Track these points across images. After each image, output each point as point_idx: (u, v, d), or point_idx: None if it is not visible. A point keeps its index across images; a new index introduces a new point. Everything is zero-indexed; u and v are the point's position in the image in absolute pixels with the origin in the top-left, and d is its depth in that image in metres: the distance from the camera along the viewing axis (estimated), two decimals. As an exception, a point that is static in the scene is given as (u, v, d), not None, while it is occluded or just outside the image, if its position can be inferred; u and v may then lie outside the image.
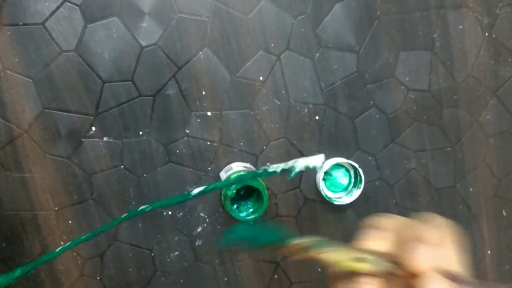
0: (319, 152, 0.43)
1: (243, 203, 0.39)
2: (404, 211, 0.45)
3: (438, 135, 0.45)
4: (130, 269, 0.41)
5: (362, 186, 0.42)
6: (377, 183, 0.44)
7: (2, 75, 0.36)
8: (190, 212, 0.41)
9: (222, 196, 0.37)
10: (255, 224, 0.35)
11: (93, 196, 0.39)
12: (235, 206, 0.38)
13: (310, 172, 0.43)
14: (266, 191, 0.36)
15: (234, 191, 0.36)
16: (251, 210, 0.38)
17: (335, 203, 0.43)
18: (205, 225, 0.42)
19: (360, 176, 0.42)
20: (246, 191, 0.39)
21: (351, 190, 0.43)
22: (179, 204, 0.40)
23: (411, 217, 0.22)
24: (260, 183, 0.36)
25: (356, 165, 0.41)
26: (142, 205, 0.39)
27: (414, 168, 0.45)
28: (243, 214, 0.37)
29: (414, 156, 0.45)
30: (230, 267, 0.43)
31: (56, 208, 0.39)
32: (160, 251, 0.41)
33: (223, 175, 0.40)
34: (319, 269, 0.45)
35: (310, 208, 0.43)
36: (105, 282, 0.41)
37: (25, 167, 0.38)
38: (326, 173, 0.42)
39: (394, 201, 0.45)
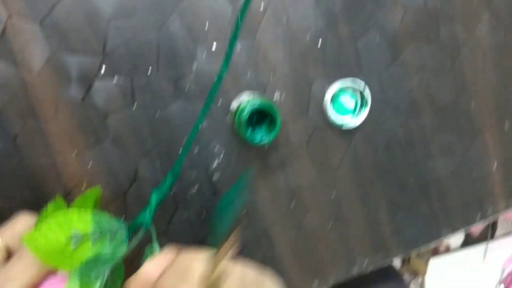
0: (325, 77, 0.44)
1: (257, 127, 0.40)
2: (409, 132, 0.47)
3: (437, 53, 0.46)
4: (152, 207, 0.42)
5: (368, 106, 0.43)
6: (382, 105, 0.46)
7: (8, 22, 0.37)
8: (205, 148, 0.42)
9: (236, 123, 0.38)
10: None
11: (110, 138, 0.40)
12: (248, 133, 0.39)
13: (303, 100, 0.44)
14: (278, 113, 0.37)
15: (247, 115, 0.37)
16: (264, 135, 0.39)
17: (344, 128, 0.45)
18: (220, 159, 0.43)
19: (366, 98, 0.43)
20: (258, 117, 0.40)
21: (358, 113, 0.44)
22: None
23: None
24: (270, 105, 0.37)
25: (362, 86, 0.42)
26: (157, 144, 0.40)
27: (416, 86, 0.46)
28: (257, 139, 0.38)
29: (415, 75, 0.46)
30: (247, 199, 0.44)
31: (74, 153, 0.40)
32: (179, 188, 0.42)
33: (234, 105, 0.41)
34: (333, 194, 0.46)
35: (319, 135, 0.45)
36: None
37: (39, 113, 0.39)
38: (333, 98, 0.43)
39: (399, 121, 0.46)
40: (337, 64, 0.44)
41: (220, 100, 0.42)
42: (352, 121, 0.44)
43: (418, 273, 0.86)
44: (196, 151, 0.42)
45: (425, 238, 0.50)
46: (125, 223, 0.31)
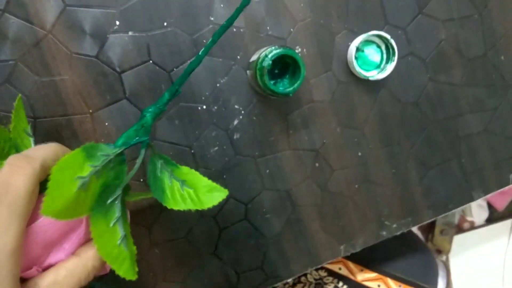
0: (348, 29, 0.42)
1: (279, 80, 0.38)
2: (439, 86, 0.44)
3: (464, 3, 0.43)
4: (172, 168, 0.40)
5: (395, 58, 0.41)
6: (409, 58, 0.43)
7: (18, -28, 0.35)
8: (225, 105, 0.41)
9: (258, 72, 0.36)
10: None
11: (126, 95, 0.39)
12: (271, 83, 0.37)
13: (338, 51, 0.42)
14: (302, 61, 0.35)
15: (270, 62, 0.35)
16: (287, 85, 0.37)
17: (369, 83, 0.43)
18: (241, 117, 0.41)
19: (393, 48, 0.41)
20: (281, 69, 0.38)
21: (384, 67, 0.42)
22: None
23: None
24: (293, 51, 0.35)
25: (388, 36, 0.40)
26: (175, 101, 0.39)
27: (444, 39, 0.44)
28: (280, 89, 0.36)
29: (443, 27, 0.44)
30: (270, 158, 0.42)
31: (90, 111, 0.38)
32: (199, 148, 0.41)
33: (254, 57, 0.39)
34: (359, 153, 0.44)
35: (343, 90, 0.43)
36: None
37: (53, 69, 0.37)
38: (357, 49, 0.41)
39: (428, 75, 0.44)
40: (361, 16, 0.42)
41: (240, 55, 0.40)
42: (378, 75, 0.41)
43: (442, 250, 0.84)
44: (215, 108, 0.40)
45: (456, 201, 0.47)
46: (117, 145, 0.29)
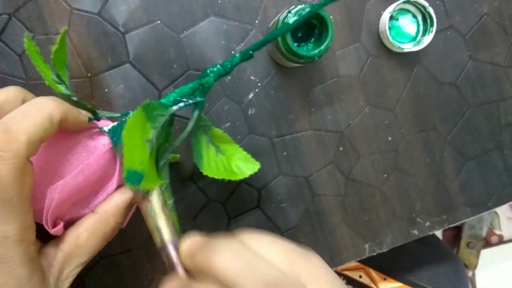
0: (379, -4, 0.37)
1: (303, 44, 0.33)
2: (479, 65, 0.39)
3: (512, -28, 0.39)
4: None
5: (434, 30, 0.36)
6: (447, 32, 0.39)
7: None
8: (239, 76, 0.36)
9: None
10: None
11: (130, 58, 0.34)
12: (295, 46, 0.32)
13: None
14: (330, 19, 0.31)
15: (295, 18, 0.30)
16: (313, 49, 0.32)
17: (403, 57, 0.38)
18: (257, 90, 0.36)
19: (431, 18, 0.36)
20: (305, 31, 0.33)
21: (420, 39, 0.37)
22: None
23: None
24: (323, 10, 0.31)
25: (426, 3, 0.36)
26: (184, 68, 0.34)
27: (486, 13, 0.39)
28: (304, 51, 0.32)
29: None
30: (289, 139, 0.37)
31: (89, 74, 0.34)
32: (210, 122, 0.36)
33: (275, 19, 0.34)
34: (390, 138, 0.39)
35: (373, 65, 0.38)
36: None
37: (50, 26, 0.33)
38: (391, 18, 0.37)
39: (468, 53, 0.39)
40: (395, -18, 0.37)
41: (258, 19, 0.36)
42: (413, 49, 0.37)
43: (468, 265, 0.77)
44: (228, 78, 0.36)
45: (497, 198, 0.42)
46: (169, 102, 0.28)
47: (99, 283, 0.36)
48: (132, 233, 0.36)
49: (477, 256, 0.77)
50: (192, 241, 0.23)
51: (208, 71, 0.28)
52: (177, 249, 0.24)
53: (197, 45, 0.35)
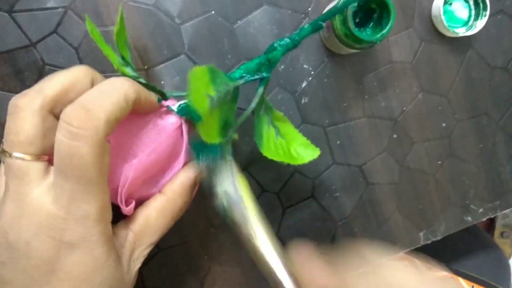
0: (432, -20, 0.37)
1: (362, 29, 0.33)
2: (533, 48, 0.39)
3: None
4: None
5: (487, 14, 0.36)
6: (498, 17, 0.38)
7: None
8: (292, 65, 0.36)
9: (338, 17, 0.31)
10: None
11: (185, 50, 0.34)
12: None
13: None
14: (392, 2, 0.30)
15: (356, 3, 0.30)
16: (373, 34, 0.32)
17: (456, 42, 0.37)
18: (310, 78, 0.36)
19: (484, 2, 0.36)
20: (362, 17, 0.33)
21: (472, 24, 0.37)
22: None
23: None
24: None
25: (480, -13, 0.35)
26: (238, 58, 0.34)
27: (540, -5, 0.38)
28: (366, 36, 0.31)
29: (539, -20, 0.38)
30: (342, 127, 0.37)
31: (145, 67, 0.34)
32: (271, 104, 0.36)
33: (331, 5, 0.34)
34: (444, 124, 0.38)
35: (426, 50, 0.37)
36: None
37: (106, 19, 0.33)
38: (445, 2, 0.36)
39: (521, 36, 0.39)
40: (446, -35, 0.37)
41: (311, 7, 0.35)
42: (466, 33, 0.36)
43: (502, 255, 0.76)
44: (281, 67, 0.36)
45: (551, 183, 0.41)
46: (235, 77, 0.27)
47: (155, 274, 0.36)
48: (188, 223, 0.36)
49: (511, 245, 0.76)
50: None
51: (275, 44, 0.27)
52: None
53: (250, 35, 0.35)
